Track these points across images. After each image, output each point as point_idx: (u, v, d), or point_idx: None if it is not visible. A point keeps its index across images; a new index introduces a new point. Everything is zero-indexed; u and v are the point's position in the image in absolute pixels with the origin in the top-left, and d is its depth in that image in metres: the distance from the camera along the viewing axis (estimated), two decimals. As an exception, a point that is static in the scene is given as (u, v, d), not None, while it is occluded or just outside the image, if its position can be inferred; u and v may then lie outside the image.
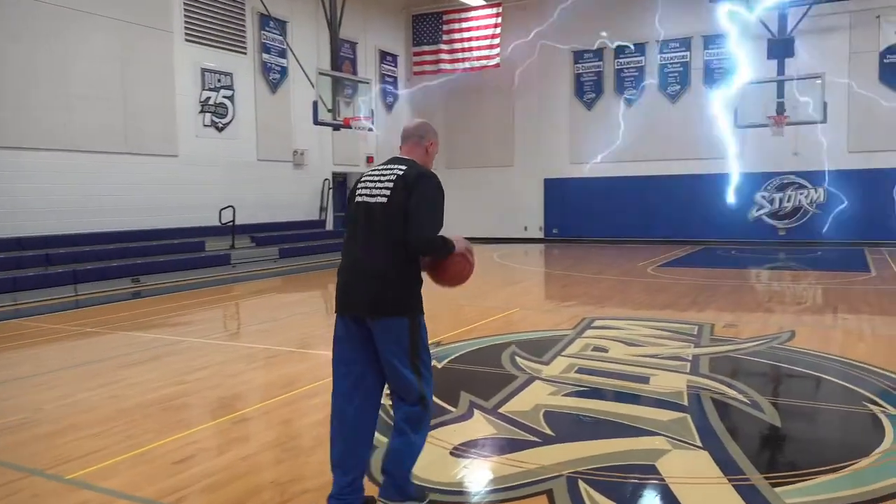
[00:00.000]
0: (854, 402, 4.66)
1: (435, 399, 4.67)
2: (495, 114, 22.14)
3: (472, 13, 20.83)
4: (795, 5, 16.44)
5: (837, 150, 18.06)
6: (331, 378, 3.13)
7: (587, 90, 20.97)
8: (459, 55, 21.06)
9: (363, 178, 3.13)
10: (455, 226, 22.46)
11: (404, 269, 2.97)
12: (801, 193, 18.49)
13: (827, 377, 5.35)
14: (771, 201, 18.85)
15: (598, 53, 20.72)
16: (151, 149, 13.89)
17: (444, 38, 21.20)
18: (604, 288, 10.96)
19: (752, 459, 3.66)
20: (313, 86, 14.18)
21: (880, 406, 4.54)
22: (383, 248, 2.94)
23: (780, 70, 16.50)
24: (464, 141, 22.58)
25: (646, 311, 8.57)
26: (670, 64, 19.85)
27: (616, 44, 20.30)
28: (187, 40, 14.66)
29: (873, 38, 17.63)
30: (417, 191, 2.93)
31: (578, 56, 21.01)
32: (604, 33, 20.41)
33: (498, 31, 20.55)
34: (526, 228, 22.04)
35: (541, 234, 21.79)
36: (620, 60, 20.48)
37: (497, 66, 20.74)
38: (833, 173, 18.07)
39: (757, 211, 19.01)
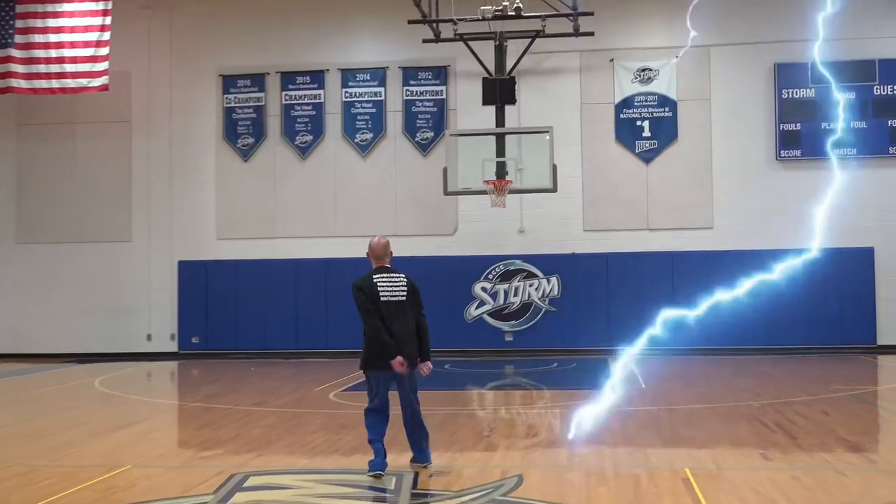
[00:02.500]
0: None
1: None
2: (102, 161, 21.51)
3: (66, 5, 20.17)
4: (513, 37, 18.68)
5: (572, 227, 20.58)
6: None
7: (242, 132, 21.41)
8: (43, 68, 20.11)
9: (379, 284, 7.84)
10: (19, 337, 21.27)
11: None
12: (530, 285, 20.58)
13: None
14: (494, 295, 20.68)
15: (259, 81, 21.39)
16: None
17: (19, 39, 20.14)
18: (265, 427, 10.91)
19: None
20: None
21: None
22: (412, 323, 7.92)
23: (500, 121, 18.47)
24: (48, 201, 21.64)
25: (324, 459, 8.65)
26: (359, 102, 21.20)
27: (283, 70, 21.23)
28: None
29: (607, 85, 20.72)
30: (417, 290, 8.06)
31: (230, 83, 21.47)
32: (268, 55, 21.25)
33: (106, 36, 20.09)
34: (150, 338, 21.41)
35: (173, 346, 21.29)
36: (290, 93, 21.35)
37: (104, 88, 20.19)
38: (566, 259, 20.48)
39: (477, 308, 20.70)
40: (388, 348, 7.62)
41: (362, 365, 7.84)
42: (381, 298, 7.72)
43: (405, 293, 7.84)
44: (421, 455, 8.05)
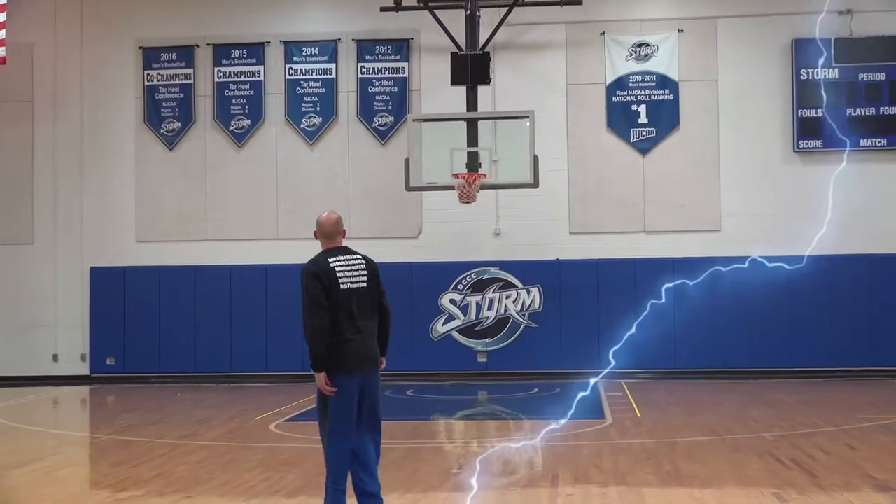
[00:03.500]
0: None
1: None
2: (-1, 148, 21.33)
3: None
4: (487, 5, 18.76)
5: (556, 229, 20.66)
6: None
7: (167, 115, 21.31)
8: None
9: (337, 269, 7.39)
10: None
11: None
12: (507, 296, 20.65)
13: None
14: (465, 308, 20.72)
15: (187, 54, 21.33)
16: None
17: None
18: (194, 463, 10.89)
19: None
20: None
21: None
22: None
23: (472, 104, 18.51)
24: (-65, 195, 21.32)
25: (264, 501, 8.64)
26: (305, 81, 21.20)
27: (215, 42, 21.22)
28: None
29: (597, 64, 20.85)
30: (378, 272, 7.68)
31: (152, 57, 21.39)
32: (198, 24, 21.20)
33: (3, 0, 19.96)
34: (56, 358, 21.24)
35: (84, 369, 21.15)
36: (224, 69, 21.31)
37: (1, 62, 20.05)
38: (549, 266, 20.54)
39: (444, 324, 20.73)
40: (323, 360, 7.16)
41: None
42: (341, 286, 7.29)
43: (367, 278, 7.48)
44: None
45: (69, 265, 21.31)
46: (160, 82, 21.40)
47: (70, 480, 10.60)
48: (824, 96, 19.96)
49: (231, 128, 21.21)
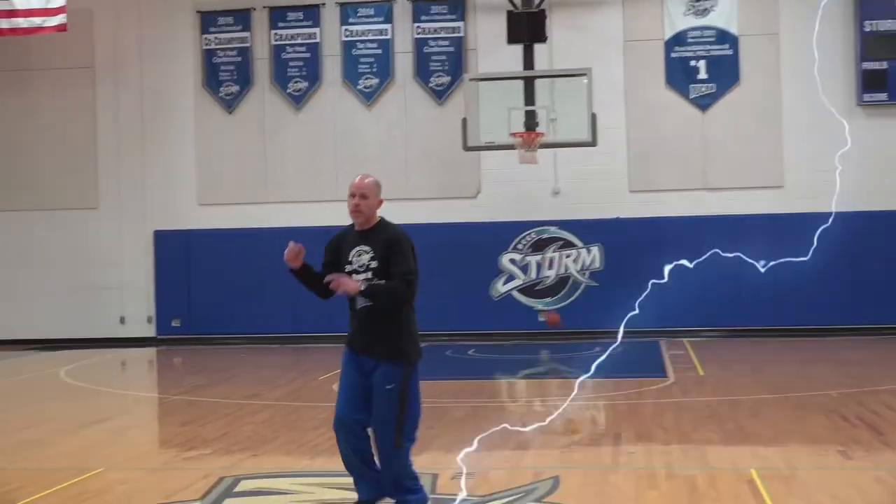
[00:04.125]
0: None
1: None
2: (62, 115, 21.61)
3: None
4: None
5: (615, 187, 20.54)
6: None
7: (225, 79, 21.44)
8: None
9: None
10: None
11: None
12: (567, 255, 20.60)
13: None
14: (525, 268, 20.71)
15: (244, 18, 21.39)
16: None
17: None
18: (259, 423, 11.03)
19: None
20: None
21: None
22: None
23: (528, 62, 18.42)
24: (0, 162, 21.70)
25: (327, 461, 8.70)
26: (361, 42, 21.18)
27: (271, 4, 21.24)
28: None
29: (656, 19, 20.61)
30: None
31: (209, 21, 21.49)
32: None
33: (63, -33, 20.15)
34: (123, 321, 21.56)
35: (150, 331, 21.47)
36: (280, 32, 21.34)
37: (62, 28, 20.22)
38: (610, 224, 20.45)
39: (504, 284, 20.75)
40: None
41: (410, 357, 6.52)
42: None
43: None
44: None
45: (133, 229, 21.59)
46: (218, 46, 21.50)
47: (139, 440, 10.82)
48: (889, 48, 19.60)
49: (288, 90, 21.28)
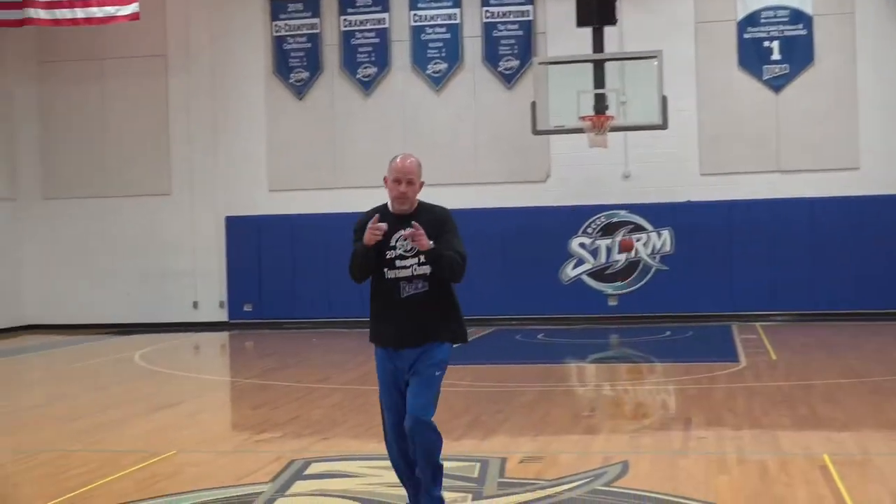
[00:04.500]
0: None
1: None
2: (135, 102, 21.92)
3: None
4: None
5: (686, 170, 20.33)
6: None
7: (295, 65, 21.57)
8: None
9: None
10: (49, 306, 21.96)
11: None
12: (637, 239, 20.44)
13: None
14: (594, 252, 20.61)
15: (313, 4, 21.47)
16: None
17: (37, -37, 20.56)
18: (329, 406, 11.08)
19: None
20: None
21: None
22: None
23: (598, 45, 18.27)
24: (75, 151, 22.10)
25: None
26: (430, 27, 21.18)
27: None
28: None
29: (728, 0, 20.34)
30: None
31: (279, 7, 21.61)
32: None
33: (136, -44, 20.41)
34: (196, 305, 21.85)
35: (222, 315, 21.73)
36: (349, 17, 21.40)
37: (135, 17, 20.51)
38: (679, 208, 20.25)
39: (574, 268, 20.66)
40: None
41: (465, 336, 6.24)
42: None
43: None
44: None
45: (205, 215, 21.83)
46: (288, 32, 21.62)
47: (210, 423, 10.94)
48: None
49: (358, 76, 21.35)
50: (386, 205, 6.09)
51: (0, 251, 21.58)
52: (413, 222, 5.74)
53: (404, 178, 5.96)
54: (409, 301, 5.93)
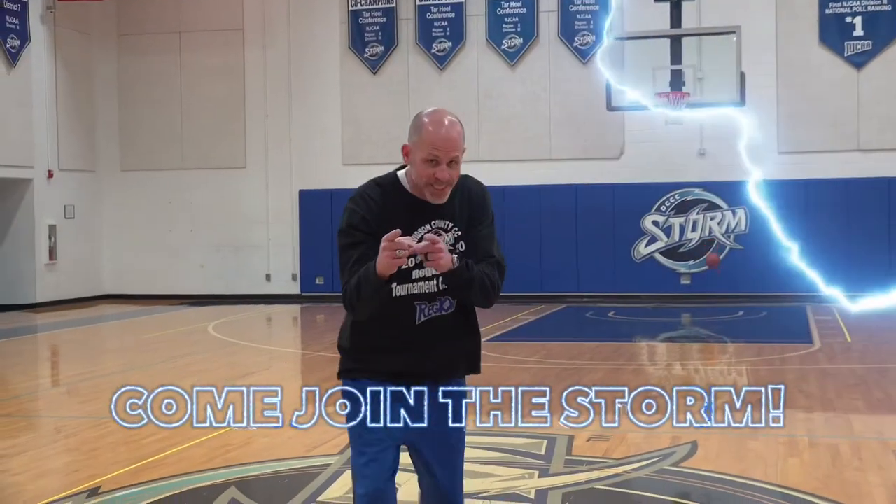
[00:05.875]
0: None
1: None
2: (212, 77, 22.21)
3: None
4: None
5: (764, 149, 20.04)
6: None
7: (370, 40, 21.62)
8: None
9: None
10: (124, 277, 22.35)
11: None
12: (712, 218, 20.26)
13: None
14: (668, 230, 20.47)
15: (389, -21, 21.55)
16: None
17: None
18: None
19: None
20: None
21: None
22: None
23: (675, 20, 18.06)
24: (152, 124, 22.46)
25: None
26: (506, 1, 21.09)
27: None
28: None
29: (809, -25, 20.01)
30: None
31: (355, -19, 21.72)
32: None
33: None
34: (269, 278, 22.13)
35: (295, 288, 21.97)
36: (425, -7, 21.44)
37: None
38: (759, 185, 19.99)
39: (647, 246, 20.55)
40: None
41: (476, 368, 4.36)
42: None
43: None
44: None
45: (279, 188, 22.06)
46: (363, 7, 21.67)
47: (282, 394, 11.06)
48: None
49: (433, 50, 21.36)
50: (396, 177, 4.09)
51: (79, 222, 21.99)
52: (428, 234, 3.77)
53: (446, 157, 3.91)
54: (428, 327, 4.01)
